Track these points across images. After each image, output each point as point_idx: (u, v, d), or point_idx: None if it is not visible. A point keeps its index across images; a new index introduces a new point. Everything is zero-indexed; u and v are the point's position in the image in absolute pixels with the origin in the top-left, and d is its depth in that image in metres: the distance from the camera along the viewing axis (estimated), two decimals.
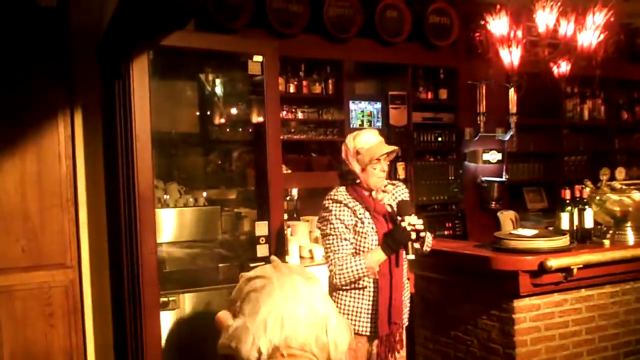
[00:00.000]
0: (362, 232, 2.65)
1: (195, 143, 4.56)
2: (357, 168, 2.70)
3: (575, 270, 3.07)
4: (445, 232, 5.21)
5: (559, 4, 3.94)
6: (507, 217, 5.34)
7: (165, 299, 3.58)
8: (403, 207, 2.66)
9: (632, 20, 6.16)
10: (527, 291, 3.07)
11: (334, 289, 2.74)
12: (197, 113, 4.70)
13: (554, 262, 2.96)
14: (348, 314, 2.70)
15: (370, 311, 2.68)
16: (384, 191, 2.79)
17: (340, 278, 2.63)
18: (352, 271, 2.61)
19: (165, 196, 3.99)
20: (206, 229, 3.98)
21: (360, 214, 2.67)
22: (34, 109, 3.85)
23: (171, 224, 3.84)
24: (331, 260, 2.67)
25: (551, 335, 3.18)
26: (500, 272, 3.06)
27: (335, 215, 2.68)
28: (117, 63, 3.51)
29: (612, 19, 4.16)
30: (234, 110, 4.73)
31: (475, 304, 3.29)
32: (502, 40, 4.07)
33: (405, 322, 2.83)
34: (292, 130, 4.88)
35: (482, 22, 4.21)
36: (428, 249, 2.81)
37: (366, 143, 2.69)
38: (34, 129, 3.86)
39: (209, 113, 4.71)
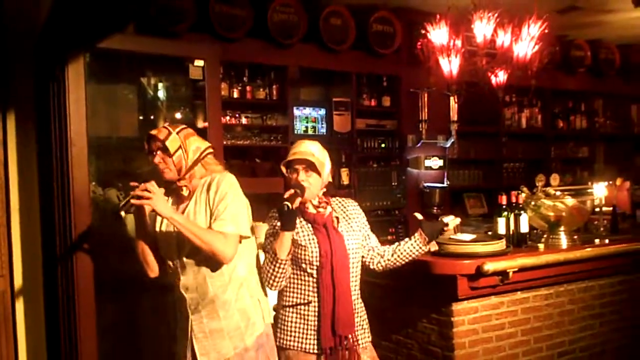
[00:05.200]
0: (301, 245, 2.59)
1: (137, 148, 4.45)
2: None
3: (511, 274, 3.15)
4: (389, 237, 5.26)
5: (496, 15, 4.05)
6: None
7: None
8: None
9: (566, 33, 6.40)
10: (465, 294, 3.12)
11: (279, 306, 2.68)
12: (139, 117, 4.60)
13: (490, 266, 3.03)
14: (294, 331, 2.61)
15: (315, 327, 2.58)
16: (327, 203, 2.71)
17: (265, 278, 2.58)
18: (265, 264, 2.56)
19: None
20: None
21: (299, 227, 2.59)
22: None
23: None
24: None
25: (488, 337, 3.25)
26: (439, 276, 3.11)
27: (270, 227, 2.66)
28: (51, 65, 3.40)
29: (546, 30, 4.31)
30: (178, 115, 4.66)
31: (416, 308, 3.33)
32: (442, 49, 4.16)
33: (366, 338, 2.71)
34: (236, 135, 4.84)
35: (423, 32, 4.28)
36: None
37: (292, 148, 2.66)
38: None
39: (152, 117, 4.62)
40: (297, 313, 2.62)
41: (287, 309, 2.64)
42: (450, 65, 4.20)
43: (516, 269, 3.17)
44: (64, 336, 3.42)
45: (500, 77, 4.42)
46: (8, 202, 3.82)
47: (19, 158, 3.89)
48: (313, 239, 2.60)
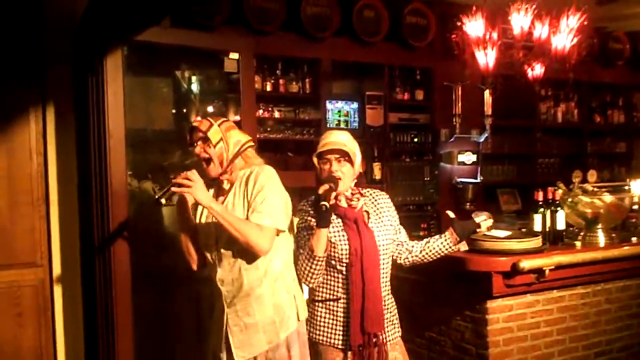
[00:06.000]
0: (331, 242, 2.55)
1: (172, 141, 4.50)
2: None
3: (547, 272, 3.09)
4: (421, 233, 5.21)
5: (533, 6, 3.98)
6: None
7: None
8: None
9: (605, 25, 6.25)
10: (500, 292, 3.09)
11: (310, 300, 2.68)
12: (173, 110, 4.64)
13: (526, 263, 2.98)
14: (324, 326, 2.61)
15: (344, 323, 2.58)
16: (361, 194, 2.69)
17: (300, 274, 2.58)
18: (302, 260, 2.54)
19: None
20: None
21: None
22: (4, 103, 3.77)
23: None
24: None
25: (523, 336, 3.21)
26: (473, 273, 3.08)
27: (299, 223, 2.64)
28: (90, 58, 3.46)
29: (585, 22, 4.21)
30: (210, 108, 4.69)
31: (449, 305, 3.31)
32: (478, 41, 4.10)
33: (396, 333, 2.70)
34: (269, 129, 4.85)
35: (459, 23, 4.23)
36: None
37: (323, 139, 2.61)
38: (3, 124, 3.79)
39: (185, 110, 4.66)
40: (326, 308, 2.62)
41: (317, 303, 2.64)
42: (486, 58, 4.14)
43: (552, 267, 3.11)
44: (101, 325, 3.49)
45: (536, 70, 4.33)
46: (47, 193, 3.91)
47: (58, 149, 3.98)
48: (343, 236, 2.57)
